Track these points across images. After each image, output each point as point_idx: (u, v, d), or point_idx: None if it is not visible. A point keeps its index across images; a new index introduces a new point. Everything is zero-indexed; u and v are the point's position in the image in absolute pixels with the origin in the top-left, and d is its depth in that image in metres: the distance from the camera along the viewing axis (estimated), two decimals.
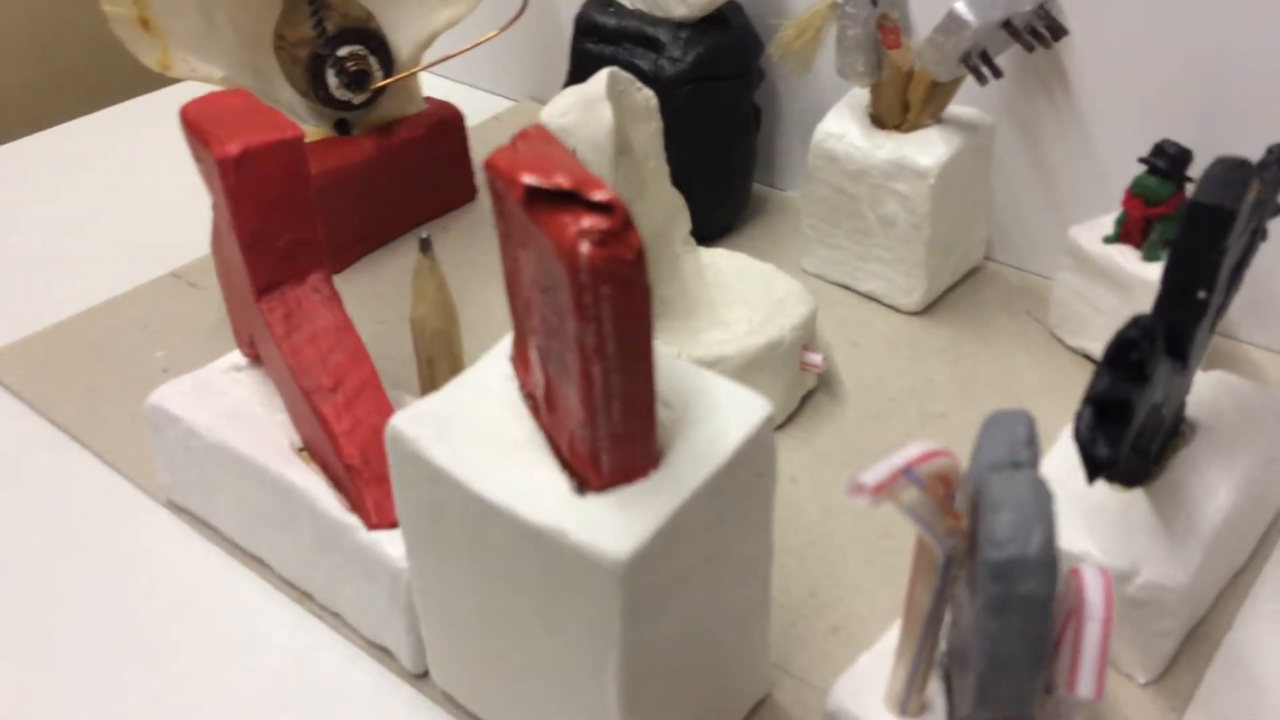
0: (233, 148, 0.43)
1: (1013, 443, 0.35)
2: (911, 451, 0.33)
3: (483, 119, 0.90)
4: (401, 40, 0.73)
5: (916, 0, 0.67)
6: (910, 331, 0.67)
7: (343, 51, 0.68)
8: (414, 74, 0.72)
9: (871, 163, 0.64)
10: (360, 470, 0.44)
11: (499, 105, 0.94)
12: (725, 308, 0.63)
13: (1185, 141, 0.58)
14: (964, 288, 0.70)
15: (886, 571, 0.51)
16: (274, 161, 0.44)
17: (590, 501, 0.34)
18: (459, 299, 0.47)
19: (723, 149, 0.72)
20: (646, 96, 0.58)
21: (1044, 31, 0.61)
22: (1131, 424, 0.38)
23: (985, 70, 0.60)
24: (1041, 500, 0.31)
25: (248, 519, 0.51)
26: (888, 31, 0.62)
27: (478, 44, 0.70)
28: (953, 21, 0.58)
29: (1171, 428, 0.48)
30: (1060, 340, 0.65)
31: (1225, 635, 0.48)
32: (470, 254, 0.74)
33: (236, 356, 0.54)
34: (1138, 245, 0.60)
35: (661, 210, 0.62)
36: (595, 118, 0.55)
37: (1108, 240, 0.61)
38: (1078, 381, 0.56)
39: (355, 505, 0.45)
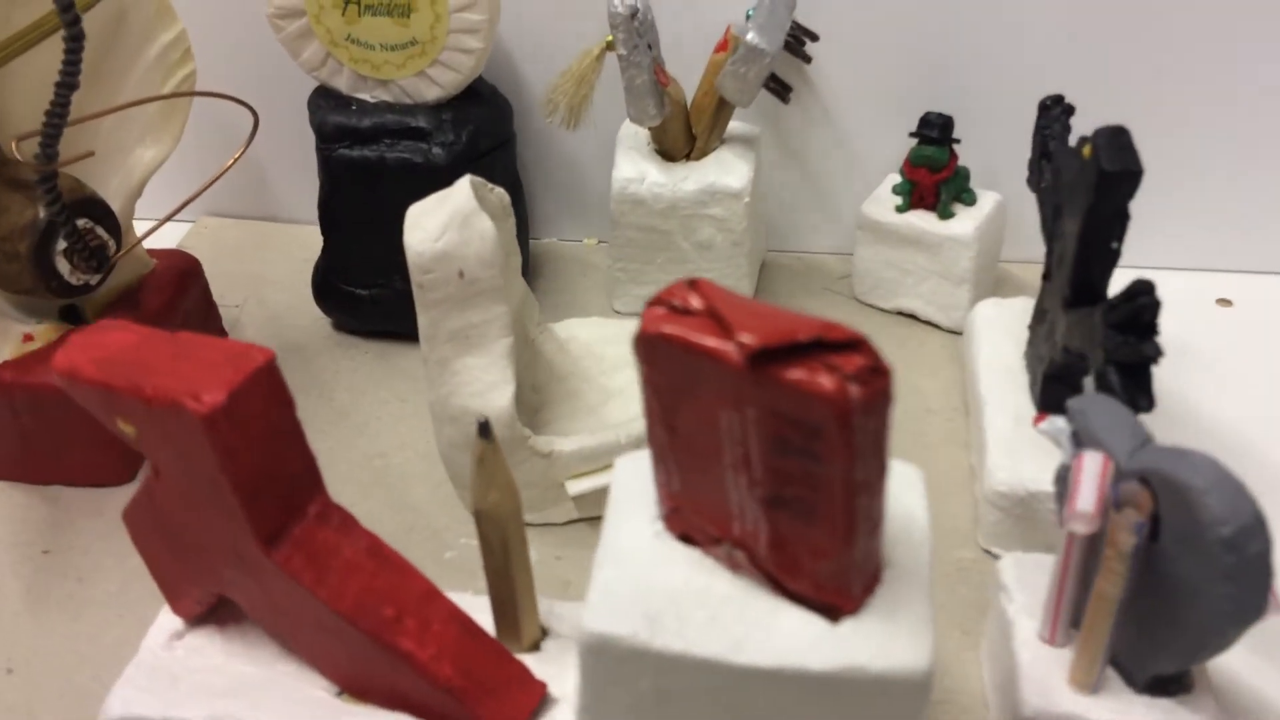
0: (213, 397, 0.35)
1: (1127, 425, 0.39)
2: (1096, 464, 0.36)
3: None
4: (111, 197, 0.62)
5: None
6: None
7: (73, 226, 0.57)
8: (159, 226, 0.62)
9: (680, 196, 0.66)
10: (467, 688, 0.39)
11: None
12: (606, 376, 0.62)
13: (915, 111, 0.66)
14: (762, 283, 0.74)
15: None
16: (258, 396, 0.37)
17: (853, 627, 0.34)
18: None
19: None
20: (500, 195, 0.55)
21: (804, 40, 0.66)
22: (1150, 374, 0.44)
23: (779, 87, 0.63)
24: (1226, 471, 0.35)
25: None
26: (660, 72, 0.64)
27: (221, 174, 0.62)
28: (751, 52, 0.60)
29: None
30: (872, 305, 0.72)
31: None
32: None
33: (167, 624, 0.45)
34: (931, 208, 0.67)
35: (516, 300, 0.59)
36: (477, 233, 0.51)
37: (900, 210, 0.68)
38: (912, 335, 0.68)
39: None
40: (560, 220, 0.80)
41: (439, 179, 0.63)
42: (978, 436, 0.57)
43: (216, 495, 0.38)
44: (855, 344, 0.30)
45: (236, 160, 0.61)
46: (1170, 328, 0.49)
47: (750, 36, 0.60)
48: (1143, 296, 0.43)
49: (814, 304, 0.73)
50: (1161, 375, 0.45)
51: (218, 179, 0.61)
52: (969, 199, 0.67)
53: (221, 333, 0.71)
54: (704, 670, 0.33)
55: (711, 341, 0.31)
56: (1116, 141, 0.47)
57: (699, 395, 0.32)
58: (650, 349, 0.32)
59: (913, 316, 0.70)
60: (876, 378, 0.30)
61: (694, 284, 0.32)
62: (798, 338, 0.30)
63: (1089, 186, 0.48)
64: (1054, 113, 0.59)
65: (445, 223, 0.51)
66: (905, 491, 0.37)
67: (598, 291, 0.75)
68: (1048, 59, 0.67)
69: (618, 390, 0.61)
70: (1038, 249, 0.69)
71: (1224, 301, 0.71)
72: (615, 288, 0.71)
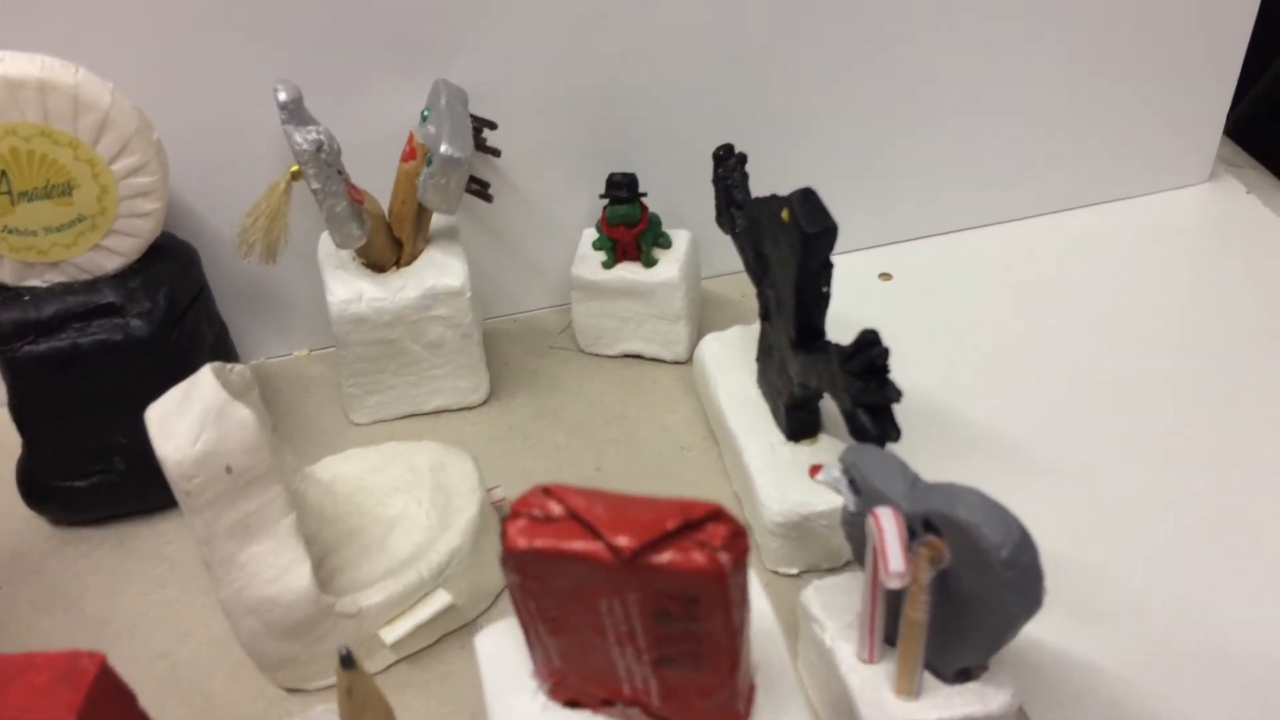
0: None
1: (896, 469, 0.45)
2: (892, 524, 0.42)
3: None
4: None
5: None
6: (498, 419, 0.71)
7: None
8: None
9: (403, 305, 0.66)
10: None
11: None
12: (382, 506, 0.62)
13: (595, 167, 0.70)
14: (489, 351, 0.75)
15: None
16: (108, 708, 0.35)
17: None
18: None
19: (220, 357, 0.67)
20: (240, 373, 0.53)
21: (484, 131, 0.67)
22: (893, 411, 0.50)
23: (480, 188, 0.64)
24: (991, 501, 0.42)
25: None
26: (353, 190, 0.63)
27: None
28: (448, 163, 0.61)
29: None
30: (598, 354, 0.75)
31: None
32: None
33: None
34: (635, 259, 0.71)
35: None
36: (236, 424, 0.50)
37: (607, 266, 0.72)
38: (643, 375, 0.73)
39: None
40: (263, 338, 0.77)
41: (146, 351, 0.61)
42: (736, 467, 0.63)
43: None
44: (714, 515, 0.33)
45: None
46: (841, 308, 0.57)
47: (444, 149, 0.61)
48: (874, 348, 0.49)
49: (544, 363, 0.75)
50: None
51: None
52: (665, 242, 0.72)
53: None
54: None
55: (584, 545, 0.33)
56: (809, 203, 0.53)
57: (575, 591, 0.34)
58: (521, 562, 0.34)
59: (639, 356, 0.75)
60: (738, 540, 0.33)
61: (548, 490, 0.34)
62: (666, 528, 0.32)
63: (794, 247, 0.53)
64: (730, 163, 0.64)
65: (198, 422, 0.49)
66: None
67: (329, 406, 0.73)
68: (699, 100, 0.73)
69: (397, 517, 0.61)
70: (727, 263, 0.76)
71: (885, 275, 0.81)
72: (350, 403, 0.71)
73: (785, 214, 0.54)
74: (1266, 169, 0.87)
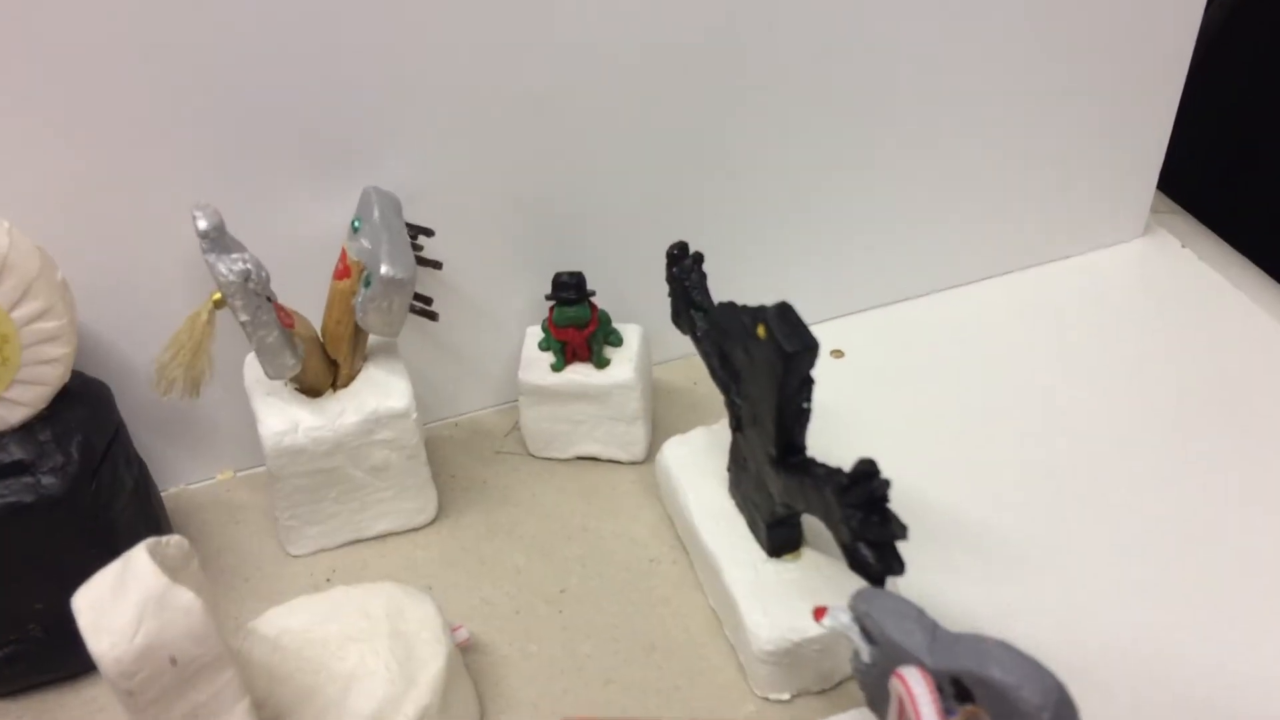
0: None
1: (913, 618, 0.42)
2: (924, 690, 0.39)
3: None
4: None
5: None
6: (449, 540, 0.67)
7: None
8: None
9: (343, 433, 0.61)
10: None
11: None
12: (337, 659, 0.57)
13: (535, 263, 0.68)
14: (432, 457, 0.71)
15: None
16: None
17: None
18: None
19: (143, 504, 0.61)
20: (177, 544, 0.48)
21: (418, 239, 0.63)
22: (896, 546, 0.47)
23: (423, 305, 0.60)
24: (1024, 656, 0.40)
25: None
26: (282, 313, 0.58)
27: None
28: (390, 285, 0.56)
29: None
30: (549, 458, 0.71)
31: None
32: None
33: None
34: (586, 359, 0.68)
35: None
36: (180, 611, 0.44)
37: (556, 368, 0.68)
38: (601, 479, 0.70)
39: None
40: (181, 463, 0.71)
41: (61, 509, 0.55)
42: (714, 585, 0.60)
43: None
44: None
45: None
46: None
47: (385, 270, 0.56)
48: (874, 480, 0.46)
49: (493, 471, 0.71)
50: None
51: None
52: (616, 340, 0.69)
53: None
54: None
55: None
56: (788, 320, 0.50)
57: None
58: None
59: (594, 459, 0.71)
60: None
61: None
62: None
63: (773, 366, 0.50)
64: (686, 263, 0.61)
65: (136, 613, 0.44)
66: None
67: (262, 536, 0.67)
68: (637, 185, 0.70)
69: (354, 672, 0.56)
70: (674, 348, 0.73)
71: (837, 353, 0.79)
72: (287, 534, 0.65)
73: (761, 330, 0.51)
74: (1196, 219, 0.88)
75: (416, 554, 0.66)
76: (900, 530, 0.46)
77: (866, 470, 0.47)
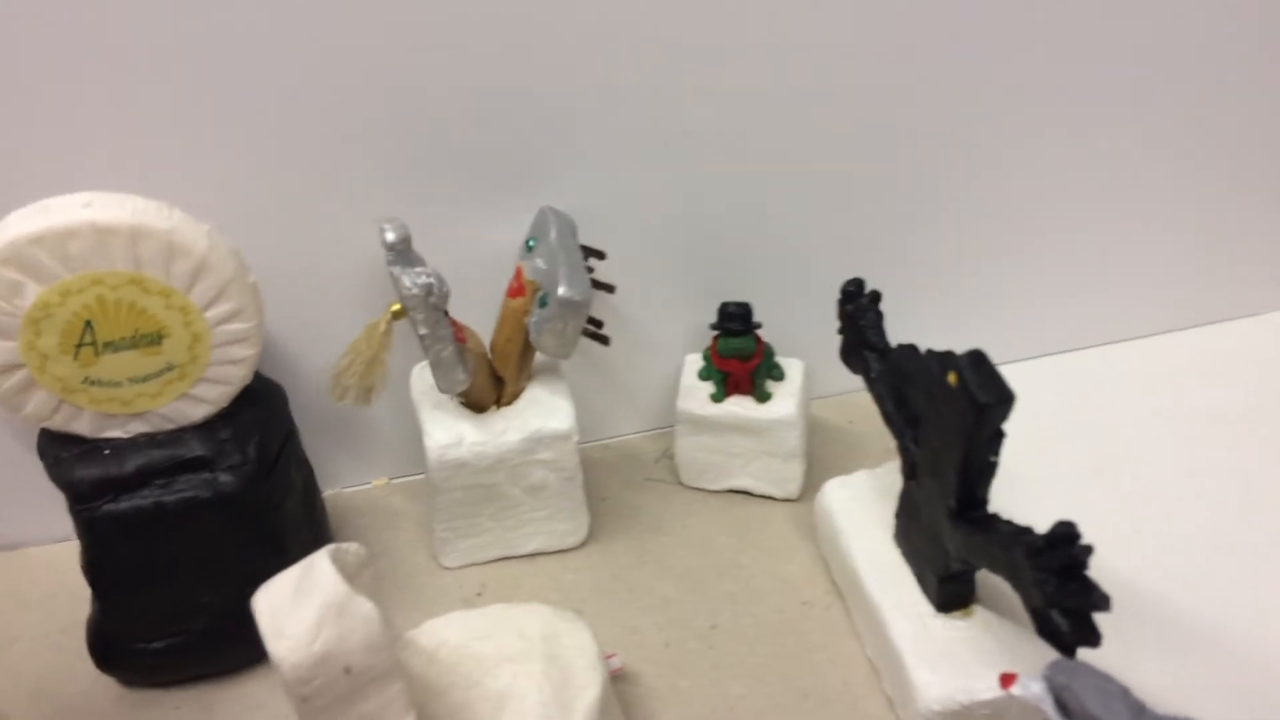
0: None
1: (1117, 697, 0.40)
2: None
3: None
4: None
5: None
6: (599, 565, 0.66)
7: None
8: None
9: (505, 450, 0.61)
10: None
11: None
12: (491, 677, 0.56)
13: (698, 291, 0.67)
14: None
15: None
16: None
17: None
18: None
19: (309, 506, 0.62)
20: (356, 552, 0.48)
21: (589, 259, 0.62)
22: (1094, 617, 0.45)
23: (595, 329, 0.60)
24: None
25: None
26: (457, 329, 0.58)
27: None
28: (567, 306, 0.56)
29: None
30: (700, 488, 0.70)
31: None
32: None
33: None
34: (747, 392, 0.66)
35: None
36: (359, 620, 0.44)
37: (716, 399, 0.67)
38: (752, 514, 0.68)
39: None
40: (340, 467, 0.72)
41: (235, 507, 0.56)
42: (876, 637, 0.57)
43: None
44: None
45: None
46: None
47: (563, 291, 0.56)
48: (1074, 545, 0.44)
49: (643, 498, 0.70)
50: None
51: None
52: (778, 374, 0.67)
53: None
54: None
55: None
56: (982, 370, 0.48)
57: None
58: None
59: (746, 493, 0.70)
60: None
61: None
62: None
63: (962, 416, 0.48)
64: (862, 301, 0.60)
65: (316, 620, 0.44)
66: None
67: (415, 547, 0.68)
68: (805, 218, 0.68)
69: (506, 692, 0.56)
70: (832, 385, 0.70)
71: None
72: (442, 546, 0.65)
73: (953, 378, 0.49)
74: None
75: (565, 576, 0.66)
76: (1103, 601, 0.43)
77: (1066, 534, 0.44)
